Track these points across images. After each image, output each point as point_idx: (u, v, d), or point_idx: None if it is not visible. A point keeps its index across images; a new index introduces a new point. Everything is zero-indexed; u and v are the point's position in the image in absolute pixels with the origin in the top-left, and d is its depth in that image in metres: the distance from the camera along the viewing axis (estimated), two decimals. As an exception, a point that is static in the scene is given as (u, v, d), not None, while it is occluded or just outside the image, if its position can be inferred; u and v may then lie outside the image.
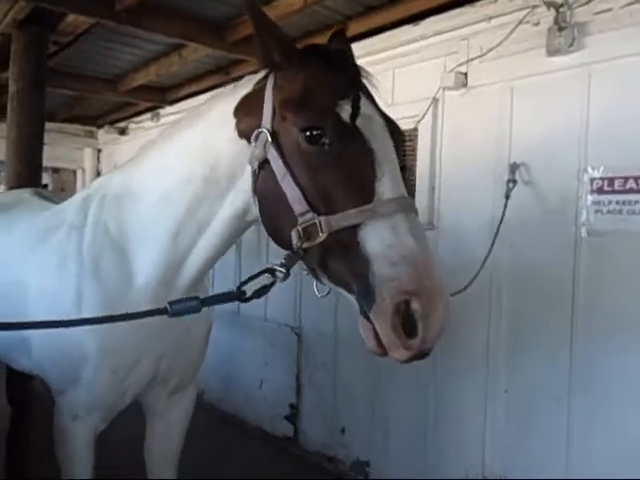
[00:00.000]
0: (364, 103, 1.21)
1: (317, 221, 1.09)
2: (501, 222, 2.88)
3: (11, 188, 3.63)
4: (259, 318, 4.60)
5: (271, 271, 1.20)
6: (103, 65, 4.95)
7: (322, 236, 1.08)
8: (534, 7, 2.92)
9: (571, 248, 2.78)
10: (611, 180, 2.61)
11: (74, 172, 7.53)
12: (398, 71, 3.65)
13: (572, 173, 2.78)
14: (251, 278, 1.23)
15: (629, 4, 2.59)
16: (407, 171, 3.62)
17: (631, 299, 2.55)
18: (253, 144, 1.26)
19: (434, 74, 3.38)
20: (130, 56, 4.70)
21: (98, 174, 7.26)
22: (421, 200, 3.41)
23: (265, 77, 1.37)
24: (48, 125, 6.03)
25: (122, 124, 6.87)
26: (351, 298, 1.16)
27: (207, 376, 4.64)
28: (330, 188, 1.11)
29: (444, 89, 3.31)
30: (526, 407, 2.96)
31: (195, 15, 3.68)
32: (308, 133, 1.14)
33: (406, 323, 1.03)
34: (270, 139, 1.21)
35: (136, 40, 4.23)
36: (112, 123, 6.95)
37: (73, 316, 1.66)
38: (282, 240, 1.23)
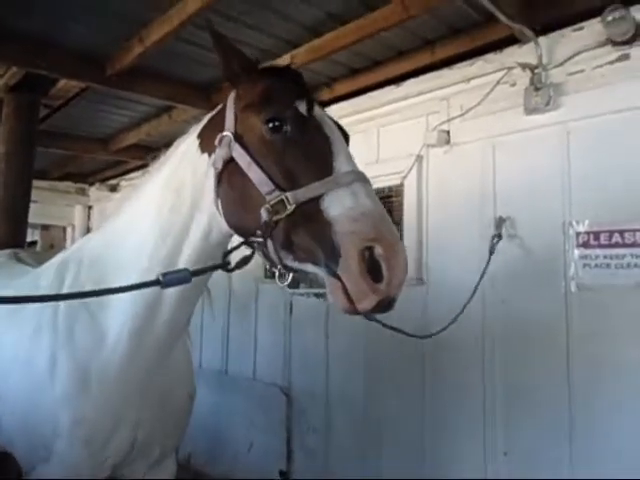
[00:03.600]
0: (316, 106, 1.38)
1: (284, 197, 1.19)
2: (482, 275, 2.88)
3: (-5, 248, 3.59)
4: (247, 377, 4.44)
5: (249, 243, 1.33)
6: (94, 126, 5.05)
7: (290, 208, 1.18)
8: (510, 69, 3.04)
9: (562, 302, 2.74)
10: (597, 234, 2.61)
11: (64, 229, 7.52)
12: (383, 129, 3.74)
13: (557, 226, 2.79)
14: (232, 250, 1.39)
15: (600, 66, 2.71)
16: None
17: (626, 352, 2.49)
18: (217, 149, 1.38)
19: (417, 132, 3.47)
20: (121, 117, 4.80)
21: (88, 231, 7.25)
22: (409, 255, 3.38)
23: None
24: (39, 183, 6.12)
25: (113, 181, 6.94)
26: (317, 272, 1.21)
27: (194, 438, 4.42)
28: (293, 167, 1.24)
29: (428, 146, 3.39)
30: (528, 471, 2.81)
31: (183, 78, 3.80)
32: (271, 125, 1.28)
33: (371, 269, 1.10)
34: (234, 139, 1.34)
35: (127, 102, 4.33)
36: (103, 180, 7.01)
37: (47, 384, 1.59)
38: (248, 224, 1.31)
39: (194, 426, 2.17)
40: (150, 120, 4.77)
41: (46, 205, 6.70)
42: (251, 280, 4.47)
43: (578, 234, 2.68)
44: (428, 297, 3.33)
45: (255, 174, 1.27)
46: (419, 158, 3.44)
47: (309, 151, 1.27)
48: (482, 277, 2.86)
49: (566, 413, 2.67)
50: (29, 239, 6.04)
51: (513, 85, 3.05)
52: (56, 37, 3.23)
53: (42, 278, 1.82)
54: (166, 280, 1.24)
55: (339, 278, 1.12)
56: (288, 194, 1.19)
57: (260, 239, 1.28)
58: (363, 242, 1.10)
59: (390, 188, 3.63)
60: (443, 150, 3.34)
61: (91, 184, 7.30)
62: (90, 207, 7.40)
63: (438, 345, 3.19)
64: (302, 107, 1.32)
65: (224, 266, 1.36)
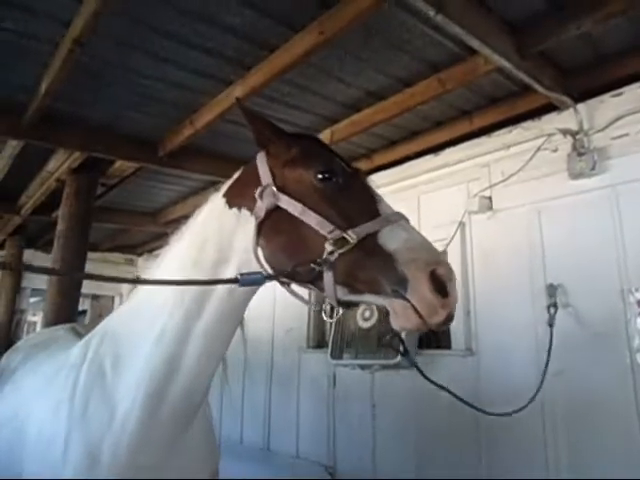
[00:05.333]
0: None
1: (345, 234, 1.33)
2: (549, 352, 2.73)
3: (48, 319, 3.74)
4: (290, 454, 4.26)
5: (316, 263, 1.36)
6: (145, 201, 5.35)
7: (352, 242, 1.32)
8: (550, 135, 3.05)
9: (628, 375, 2.54)
10: (660, 301, 2.45)
11: (112, 298, 7.77)
12: (424, 197, 3.76)
13: (615, 293, 2.64)
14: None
15: (645, 129, 2.67)
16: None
17: None
18: (258, 201, 1.50)
19: (458, 199, 3.46)
20: (169, 192, 5.07)
21: (134, 300, 7.44)
22: (457, 324, 3.27)
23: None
24: (92, 255, 6.42)
25: (160, 251, 7.19)
26: (374, 301, 1.34)
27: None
28: (347, 210, 1.41)
29: (470, 213, 3.36)
30: None
31: (227, 155, 4.01)
32: (321, 176, 1.45)
33: (438, 288, 1.24)
34: (277, 190, 1.48)
35: (175, 178, 4.59)
36: (151, 251, 7.30)
37: (61, 462, 1.52)
38: (301, 264, 1.39)
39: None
40: (197, 194, 5.01)
41: (97, 276, 6.98)
42: (294, 350, 4.40)
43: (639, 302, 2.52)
44: (479, 368, 3.16)
45: (311, 218, 1.40)
46: (462, 225, 3.41)
47: (356, 197, 1.44)
48: (549, 355, 2.72)
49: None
50: (80, 308, 6.27)
51: (555, 151, 3.03)
52: (114, 124, 3.52)
53: (73, 352, 1.78)
54: (243, 280, 1.36)
55: (407, 300, 1.25)
56: (349, 231, 1.33)
57: (318, 268, 1.35)
58: (428, 266, 1.25)
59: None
60: (486, 216, 3.30)
61: (139, 255, 7.61)
62: (138, 277, 7.65)
63: (494, 418, 2.98)
64: (342, 163, 1.52)
65: (291, 276, 1.43)
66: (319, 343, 4.33)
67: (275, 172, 1.53)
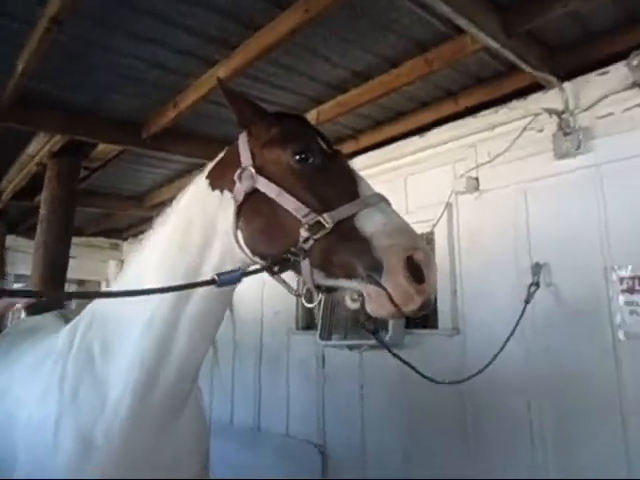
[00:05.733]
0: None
1: (320, 217, 1.29)
2: (517, 324, 2.81)
3: (32, 305, 3.69)
4: (280, 433, 4.32)
5: (292, 253, 1.33)
6: (130, 184, 5.26)
7: (328, 227, 1.28)
8: (536, 115, 3.05)
9: (610, 351, 2.60)
10: (641, 279, 2.51)
11: (98, 283, 7.70)
12: (411, 178, 3.76)
13: (598, 272, 2.69)
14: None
15: (629, 108, 2.69)
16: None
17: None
18: (237, 183, 1.47)
19: (445, 180, 3.47)
20: (154, 175, 5.00)
21: (121, 285, 7.38)
22: (443, 304, 3.31)
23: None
24: (76, 240, 6.31)
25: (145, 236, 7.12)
26: (349, 286, 1.30)
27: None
28: (323, 193, 1.36)
29: (456, 193, 3.37)
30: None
31: (211, 136, 3.94)
32: (298, 157, 1.41)
33: (413, 273, 1.20)
34: (255, 171, 1.44)
35: (160, 161, 4.52)
36: (136, 235, 7.21)
37: (52, 447, 1.51)
38: (279, 248, 1.37)
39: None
40: (182, 176, 4.94)
41: (82, 261, 6.90)
42: (282, 332, 4.43)
43: (622, 279, 2.57)
44: (466, 347, 3.22)
45: (287, 201, 1.36)
46: (448, 205, 3.43)
47: (335, 178, 1.40)
48: (514, 329, 2.78)
49: (624, 469, 2.48)
50: (65, 294, 6.21)
51: (540, 131, 3.04)
52: (96, 106, 3.43)
53: (59, 338, 1.76)
54: (220, 280, 1.33)
55: (381, 286, 1.22)
56: (324, 215, 1.29)
57: (294, 258, 1.32)
58: (404, 252, 1.20)
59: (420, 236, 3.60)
60: (473, 197, 3.32)
61: (124, 239, 7.52)
62: (123, 261, 7.59)
63: (480, 395, 3.05)
64: (322, 143, 1.47)
65: (269, 269, 1.39)
66: (308, 325, 4.36)
67: (255, 153, 1.49)
